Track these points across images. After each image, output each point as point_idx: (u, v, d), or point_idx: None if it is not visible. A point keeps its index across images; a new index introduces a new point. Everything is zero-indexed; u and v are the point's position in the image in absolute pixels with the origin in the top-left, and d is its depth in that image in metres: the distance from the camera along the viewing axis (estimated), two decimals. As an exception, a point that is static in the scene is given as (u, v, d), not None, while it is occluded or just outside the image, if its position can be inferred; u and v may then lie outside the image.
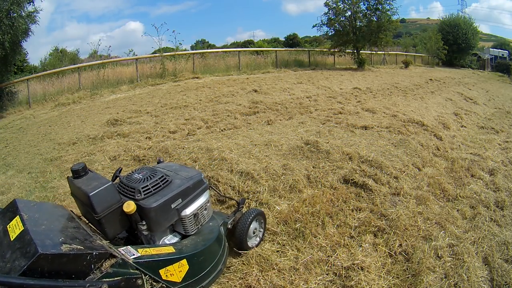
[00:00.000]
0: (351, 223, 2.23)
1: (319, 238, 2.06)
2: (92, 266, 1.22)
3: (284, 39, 38.18)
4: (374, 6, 13.50)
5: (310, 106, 5.76)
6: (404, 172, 3.08)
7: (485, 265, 1.95)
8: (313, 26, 15.16)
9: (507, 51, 27.88)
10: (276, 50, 13.73)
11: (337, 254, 1.90)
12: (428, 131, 4.48)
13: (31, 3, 8.15)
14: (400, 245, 2.01)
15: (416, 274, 1.77)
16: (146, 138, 4.23)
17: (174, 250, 1.53)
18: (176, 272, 1.48)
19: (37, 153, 4.26)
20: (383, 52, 16.61)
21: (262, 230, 2.09)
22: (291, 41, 35.43)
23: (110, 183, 1.51)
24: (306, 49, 15.33)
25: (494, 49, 29.19)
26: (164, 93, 7.59)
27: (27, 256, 1.09)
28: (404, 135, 4.11)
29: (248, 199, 2.51)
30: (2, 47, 7.41)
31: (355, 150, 3.38)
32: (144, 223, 1.52)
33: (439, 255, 1.97)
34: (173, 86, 8.60)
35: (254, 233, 2.02)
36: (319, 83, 8.51)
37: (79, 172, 1.53)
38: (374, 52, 15.92)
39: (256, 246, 2.02)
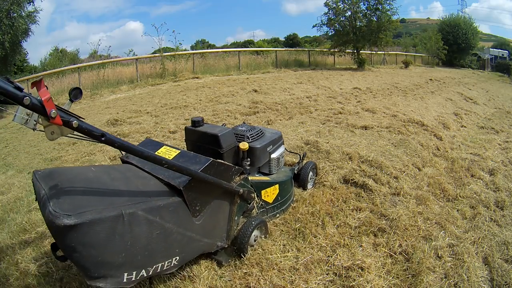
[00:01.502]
0: (351, 223, 2.23)
1: (319, 238, 2.06)
2: (233, 177, 1.71)
3: (284, 39, 38.19)
4: (374, 6, 13.50)
5: (310, 106, 5.76)
6: (404, 172, 3.08)
7: (485, 265, 1.95)
8: (313, 26, 15.18)
9: (507, 51, 27.86)
10: (276, 50, 13.74)
11: (337, 254, 1.90)
12: (428, 131, 4.48)
13: (31, 3, 8.18)
14: (400, 245, 2.01)
15: (416, 274, 1.77)
16: (146, 138, 4.23)
17: (269, 179, 2.12)
18: (271, 194, 2.08)
19: (37, 153, 4.25)
20: (383, 52, 16.61)
21: (314, 177, 2.80)
22: (291, 41, 35.43)
23: (231, 129, 2.05)
24: (306, 49, 15.33)
25: (494, 49, 29.18)
26: (164, 93, 7.59)
27: (200, 163, 1.48)
28: (404, 135, 4.11)
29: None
30: (2, 47, 7.42)
31: (355, 150, 3.38)
32: (248, 159, 2.03)
33: (439, 255, 1.97)
34: (173, 86, 8.60)
35: (311, 178, 2.72)
36: (319, 83, 8.51)
37: (200, 122, 2.02)
38: (374, 52, 15.92)
39: (312, 187, 2.71)
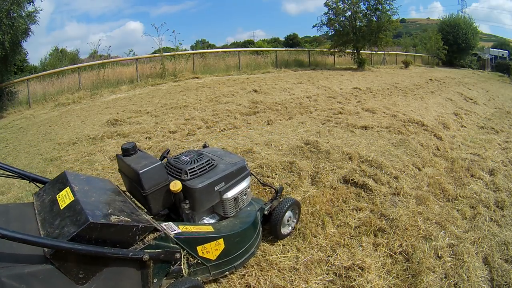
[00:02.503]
0: (351, 223, 2.23)
1: (319, 238, 2.06)
2: (137, 238, 1.32)
3: (284, 39, 38.20)
4: (374, 6, 13.49)
5: (310, 106, 5.76)
6: (404, 172, 3.08)
7: (485, 265, 1.95)
8: (313, 26, 15.17)
9: (507, 51, 27.86)
10: (276, 50, 13.73)
11: (337, 254, 1.90)
12: (428, 131, 4.48)
13: (31, 3, 8.15)
14: (400, 245, 2.01)
15: (416, 274, 1.77)
16: (146, 138, 4.23)
17: (212, 229, 1.63)
18: (212, 250, 1.59)
19: (37, 153, 4.25)
20: (383, 52, 16.61)
21: (295, 219, 2.17)
22: (291, 41, 35.44)
23: (160, 162, 1.60)
24: (306, 49, 15.32)
25: (494, 49, 29.18)
26: (164, 93, 7.59)
27: (77, 224, 1.18)
28: (404, 135, 4.11)
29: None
30: (2, 47, 7.41)
31: (355, 150, 3.38)
32: (187, 202, 1.62)
33: (439, 255, 1.97)
34: (173, 86, 8.60)
35: (288, 221, 2.08)
36: (319, 83, 8.51)
37: (129, 151, 1.64)
38: (374, 52, 15.92)
39: (288, 234, 2.09)
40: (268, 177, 2.84)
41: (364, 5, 13.73)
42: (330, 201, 2.49)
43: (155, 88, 8.60)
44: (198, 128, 4.56)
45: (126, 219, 1.31)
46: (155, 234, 1.38)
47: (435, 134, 4.41)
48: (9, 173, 1.56)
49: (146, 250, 1.32)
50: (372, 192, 2.64)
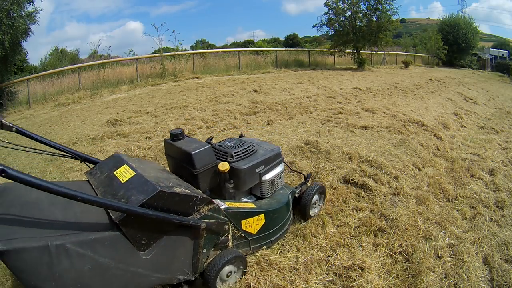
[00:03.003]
0: (351, 223, 2.23)
1: (319, 238, 2.06)
2: (195, 208, 1.47)
3: (284, 39, 38.21)
4: (374, 6, 13.49)
5: (310, 106, 5.76)
6: (404, 172, 3.08)
7: (485, 265, 1.95)
8: (313, 26, 15.17)
9: (507, 51, 27.85)
10: (276, 50, 13.73)
11: (337, 254, 1.90)
12: (428, 131, 4.48)
13: (31, 3, 8.16)
14: (400, 245, 2.01)
15: (416, 274, 1.77)
16: (146, 138, 4.23)
17: (254, 206, 1.83)
18: (254, 224, 1.77)
19: (37, 153, 4.25)
20: (383, 52, 16.61)
21: (321, 202, 2.40)
22: (291, 41, 35.46)
23: (209, 145, 1.78)
24: (306, 49, 15.32)
25: (494, 49, 29.17)
26: (164, 93, 7.59)
27: (145, 193, 1.29)
28: (404, 135, 4.11)
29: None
30: (2, 47, 7.42)
31: (355, 150, 3.38)
32: (232, 182, 1.79)
33: (439, 255, 1.97)
34: (173, 86, 8.60)
35: (315, 204, 2.31)
36: (319, 83, 8.51)
37: (178, 136, 1.82)
38: (374, 52, 15.92)
39: (315, 215, 2.31)
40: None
41: (364, 5, 13.74)
42: (330, 201, 2.49)
43: (155, 88, 8.60)
44: (198, 128, 4.56)
45: (187, 190, 1.45)
46: (209, 206, 1.53)
47: (435, 134, 4.41)
48: (64, 153, 1.71)
49: (203, 220, 1.46)
50: (372, 192, 2.64)
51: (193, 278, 1.53)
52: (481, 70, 21.62)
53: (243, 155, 1.87)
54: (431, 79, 11.25)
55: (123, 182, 1.41)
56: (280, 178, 2.05)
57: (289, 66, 12.48)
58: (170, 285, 1.56)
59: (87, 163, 1.78)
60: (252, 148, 1.94)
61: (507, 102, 9.11)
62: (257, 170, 1.87)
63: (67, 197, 1.09)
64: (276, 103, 5.95)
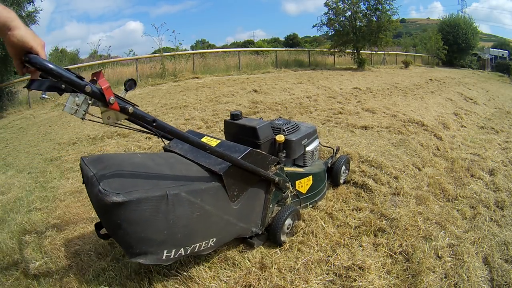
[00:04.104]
0: (351, 223, 2.23)
1: (319, 238, 2.06)
2: (269, 166, 1.77)
3: (284, 39, 38.22)
4: (374, 6, 13.49)
5: (310, 106, 5.76)
6: (404, 172, 3.08)
7: (485, 265, 1.95)
8: (313, 26, 15.17)
9: (507, 51, 27.84)
10: (276, 50, 13.74)
11: (337, 254, 1.90)
12: (428, 131, 4.48)
13: (31, 3, 8.16)
14: (400, 245, 2.01)
15: (416, 274, 1.77)
16: (146, 138, 4.23)
17: (303, 171, 2.21)
18: (304, 184, 2.17)
19: (37, 153, 4.26)
20: (383, 52, 16.61)
21: (347, 171, 2.84)
22: (291, 41, 35.48)
23: (268, 122, 2.14)
24: (306, 49, 15.32)
25: (494, 49, 29.16)
26: (164, 93, 7.59)
27: (239, 152, 1.58)
28: (404, 135, 4.11)
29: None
30: (2, 47, 7.42)
31: (355, 150, 3.38)
32: (284, 151, 2.12)
33: (439, 255, 1.97)
34: (173, 86, 8.61)
35: (344, 172, 2.77)
36: (319, 83, 8.51)
37: (239, 116, 2.11)
38: (374, 52, 15.92)
39: (344, 182, 2.78)
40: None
41: (364, 5, 13.73)
42: (331, 201, 2.49)
43: (155, 88, 8.60)
44: (198, 128, 4.56)
45: (264, 152, 1.74)
46: (278, 165, 1.84)
47: (435, 134, 4.41)
48: (143, 129, 1.80)
49: (275, 175, 1.76)
50: (372, 192, 2.64)
51: (260, 232, 1.80)
52: (481, 70, 21.60)
53: (292, 130, 2.24)
54: (431, 79, 11.25)
55: (213, 146, 1.53)
56: (317, 150, 2.46)
57: (289, 66, 12.48)
58: (238, 240, 1.83)
59: (162, 139, 1.93)
60: (296, 125, 2.32)
61: (507, 102, 9.11)
62: (302, 142, 2.23)
63: (199, 147, 1.33)
64: (276, 103, 5.95)
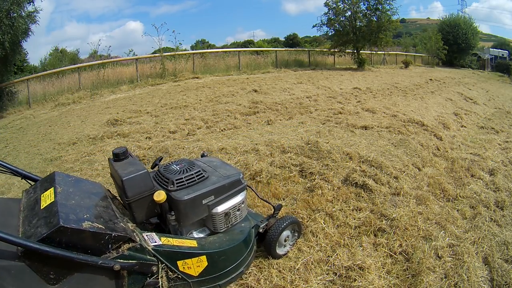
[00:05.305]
0: (351, 223, 2.23)
1: (319, 238, 2.06)
2: (109, 246, 1.29)
3: (284, 39, 38.18)
4: (374, 6, 13.49)
5: (310, 106, 5.76)
6: (404, 172, 3.08)
7: (485, 265, 1.95)
8: (313, 26, 15.17)
9: (507, 51, 27.83)
10: (276, 50, 13.73)
11: (337, 254, 1.90)
12: (428, 131, 4.48)
13: (31, 3, 8.15)
14: (400, 245, 2.01)
15: (416, 274, 1.77)
16: (146, 138, 4.23)
17: (196, 245, 1.56)
18: (194, 266, 1.52)
19: (37, 153, 4.26)
20: (383, 52, 16.60)
21: (294, 240, 2.06)
22: (291, 41, 35.44)
23: (145, 170, 1.55)
24: (306, 49, 15.32)
25: (494, 49, 29.15)
26: (164, 93, 7.59)
27: (49, 226, 1.17)
28: (404, 135, 4.11)
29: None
30: (2, 47, 7.41)
31: (355, 150, 3.38)
32: (173, 213, 1.55)
33: (439, 255, 1.97)
34: (173, 86, 8.60)
35: (285, 241, 1.98)
36: (319, 83, 8.51)
37: (119, 156, 1.62)
38: (374, 52, 15.92)
39: (284, 255, 1.97)
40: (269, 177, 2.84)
41: (364, 5, 13.73)
42: (330, 201, 2.49)
43: (155, 88, 8.60)
44: (198, 128, 4.56)
45: (100, 226, 1.28)
46: (129, 244, 1.34)
47: (435, 134, 4.41)
48: (1, 169, 1.55)
49: (118, 260, 1.28)
50: (372, 192, 2.64)
51: None
52: (481, 70, 21.61)
53: (188, 183, 1.60)
54: (431, 79, 11.25)
55: (41, 208, 1.30)
56: (239, 209, 1.75)
57: (289, 66, 12.48)
58: None
59: (27, 180, 1.63)
60: (200, 174, 1.66)
61: (507, 102, 9.12)
62: (204, 202, 1.60)
63: None
64: (276, 103, 5.95)
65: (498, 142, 4.66)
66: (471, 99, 8.22)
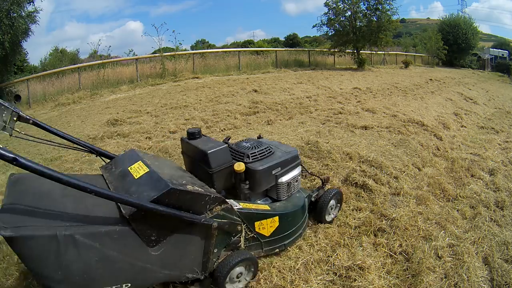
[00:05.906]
0: (351, 223, 2.23)
1: (319, 238, 2.06)
2: (207, 207, 1.45)
3: (284, 39, 38.15)
4: (374, 6, 13.48)
5: (310, 106, 5.76)
6: (404, 172, 3.08)
7: (485, 265, 1.95)
8: (313, 26, 15.16)
9: (507, 51, 27.80)
10: (276, 50, 13.72)
11: (337, 254, 1.90)
12: (428, 131, 4.48)
13: (31, 3, 8.17)
14: (400, 245, 2.01)
15: (416, 274, 1.77)
16: (146, 138, 4.23)
17: (269, 208, 1.78)
18: (268, 226, 1.74)
19: (37, 153, 4.25)
20: (383, 52, 16.58)
21: (338, 207, 2.35)
22: (291, 41, 35.41)
23: (225, 145, 1.79)
24: (306, 49, 15.31)
25: (494, 49, 29.12)
26: (164, 93, 7.59)
27: (157, 189, 1.29)
28: (404, 135, 4.11)
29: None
30: (2, 47, 7.43)
31: (355, 150, 3.38)
32: (247, 182, 1.77)
33: (439, 255, 1.97)
34: (173, 86, 8.60)
35: (332, 208, 2.27)
36: (319, 83, 8.50)
37: (195, 135, 1.83)
38: (374, 52, 15.90)
39: (331, 221, 2.24)
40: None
41: (364, 5, 13.72)
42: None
43: (155, 88, 8.59)
44: (198, 128, 4.55)
45: (200, 189, 1.42)
46: (222, 205, 1.50)
47: (435, 134, 4.41)
48: (79, 146, 1.71)
49: (215, 219, 1.45)
50: (372, 192, 2.64)
51: (202, 277, 1.52)
52: (481, 70, 21.60)
53: (260, 156, 1.84)
54: (431, 79, 11.25)
55: (136, 177, 1.42)
56: (296, 181, 2.01)
57: (289, 66, 12.47)
58: (181, 282, 1.56)
59: (102, 158, 1.78)
60: (269, 149, 1.91)
61: (507, 102, 9.12)
62: (273, 172, 1.84)
63: (77, 188, 1.11)
64: (276, 103, 5.95)
65: (498, 142, 4.66)
66: (471, 99, 8.22)
